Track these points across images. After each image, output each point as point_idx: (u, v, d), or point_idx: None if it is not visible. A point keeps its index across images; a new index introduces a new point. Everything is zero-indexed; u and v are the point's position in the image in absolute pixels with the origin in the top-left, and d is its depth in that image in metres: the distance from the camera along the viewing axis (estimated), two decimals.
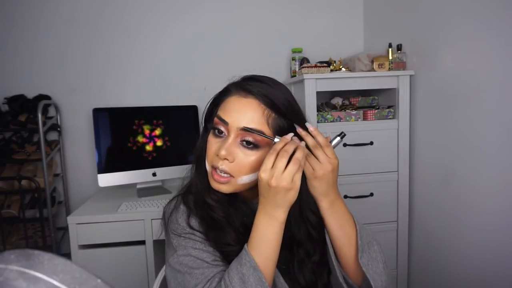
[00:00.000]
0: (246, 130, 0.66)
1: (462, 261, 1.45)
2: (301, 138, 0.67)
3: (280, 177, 0.60)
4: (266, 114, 0.66)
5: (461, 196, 1.44)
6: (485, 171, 1.32)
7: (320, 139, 0.67)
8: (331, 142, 0.70)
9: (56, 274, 0.25)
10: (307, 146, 0.67)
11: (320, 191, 0.69)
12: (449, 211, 1.51)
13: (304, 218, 0.73)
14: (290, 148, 0.62)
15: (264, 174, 0.61)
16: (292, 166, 0.61)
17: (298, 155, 0.62)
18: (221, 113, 0.68)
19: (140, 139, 1.86)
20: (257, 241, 0.64)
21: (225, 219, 0.72)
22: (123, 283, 1.53)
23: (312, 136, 0.67)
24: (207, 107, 0.76)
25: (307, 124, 0.69)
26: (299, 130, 0.67)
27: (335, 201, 0.71)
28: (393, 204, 1.76)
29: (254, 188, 0.70)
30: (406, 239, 1.78)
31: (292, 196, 0.62)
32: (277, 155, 0.62)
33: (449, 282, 1.53)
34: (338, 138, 0.72)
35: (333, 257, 0.72)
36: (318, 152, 0.66)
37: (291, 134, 0.65)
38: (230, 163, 0.66)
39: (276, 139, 0.65)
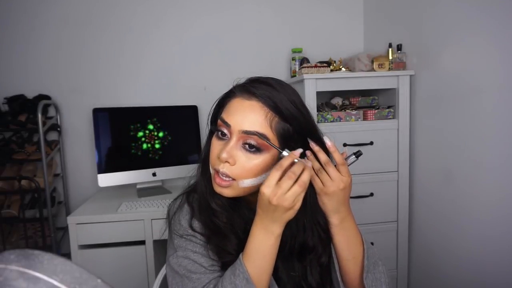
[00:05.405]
0: (248, 133, 0.64)
1: (462, 261, 1.45)
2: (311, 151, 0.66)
3: (283, 197, 0.59)
4: (269, 117, 0.64)
5: (461, 196, 1.44)
6: (485, 171, 1.32)
7: (337, 156, 0.65)
8: (346, 159, 0.68)
9: (56, 274, 0.25)
10: (317, 160, 0.65)
11: (330, 207, 0.68)
12: (449, 211, 1.51)
13: (315, 221, 0.72)
14: (298, 170, 0.60)
15: (266, 190, 0.59)
16: (296, 188, 0.59)
17: (305, 177, 0.60)
18: (224, 115, 0.67)
19: (140, 139, 1.86)
20: (252, 253, 0.64)
21: (227, 225, 0.71)
22: (123, 283, 1.53)
23: (327, 151, 0.66)
24: (213, 109, 0.74)
25: (325, 139, 0.67)
26: (312, 145, 0.65)
27: (345, 219, 0.70)
28: (393, 204, 1.76)
29: (258, 193, 0.70)
30: (406, 239, 1.78)
31: (290, 214, 0.62)
32: (283, 172, 0.60)
33: (449, 282, 1.53)
34: (354, 156, 0.69)
35: (338, 273, 0.72)
36: (330, 169, 0.65)
37: (300, 150, 0.63)
38: (231, 166, 0.65)
39: (284, 153, 0.63)
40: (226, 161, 0.65)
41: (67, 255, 1.68)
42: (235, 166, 0.65)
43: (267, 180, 0.60)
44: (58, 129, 1.99)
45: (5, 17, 1.94)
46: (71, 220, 1.54)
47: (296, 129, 0.66)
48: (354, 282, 0.71)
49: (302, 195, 0.61)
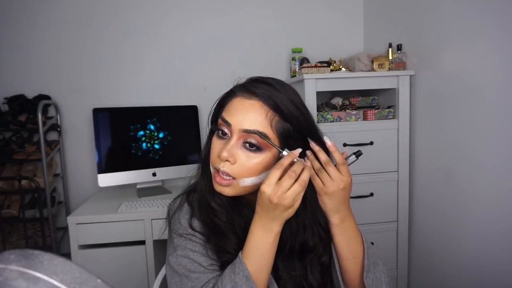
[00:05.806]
0: (249, 132, 0.64)
1: (462, 260, 1.45)
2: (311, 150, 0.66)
3: (283, 195, 0.59)
4: (269, 116, 0.65)
5: (461, 195, 1.44)
6: (485, 170, 1.32)
7: (337, 156, 0.66)
8: (346, 159, 0.68)
9: (56, 274, 0.25)
10: (318, 160, 0.66)
11: (330, 207, 0.68)
12: (449, 211, 1.51)
13: (315, 221, 0.72)
14: (299, 169, 0.61)
15: (267, 189, 0.60)
16: (297, 187, 0.60)
17: (305, 176, 0.61)
18: (225, 114, 0.67)
19: (140, 139, 1.86)
20: (252, 251, 0.64)
21: (227, 224, 0.71)
22: (123, 283, 1.53)
23: (327, 151, 0.66)
24: (213, 108, 0.75)
25: (325, 139, 0.68)
26: (312, 145, 0.65)
27: (345, 218, 0.70)
28: (393, 204, 1.76)
29: (258, 192, 0.70)
30: (406, 239, 1.78)
31: (290, 213, 0.62)
32: (283, 171, 0.60)
33: (449, 281, 1.53)
34: (354, 156, 0.69)
35: (338, 273, 0.72)
36: (330, 169, 0.65)
37: (300, 150, 0.64)
38: (231, 165, 0.65)
39: (284, 152, 0.63)
40: (227, 160, 0.65)
41: (67, 255, 1.68)
42: (236, 165, 0.65)
43: (267, 179, 0.60)
44: (58, 129, 1.99)
45: (5, 17, 1.94)
46: (71, 220, 1.54)
47: (296, 129, 0.67)
48: (355, 281, 0.71)
49: (302, 194, 0.61)
